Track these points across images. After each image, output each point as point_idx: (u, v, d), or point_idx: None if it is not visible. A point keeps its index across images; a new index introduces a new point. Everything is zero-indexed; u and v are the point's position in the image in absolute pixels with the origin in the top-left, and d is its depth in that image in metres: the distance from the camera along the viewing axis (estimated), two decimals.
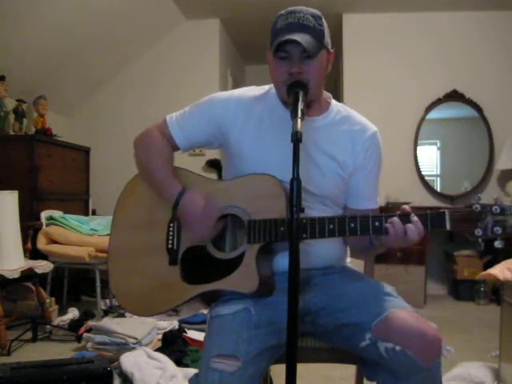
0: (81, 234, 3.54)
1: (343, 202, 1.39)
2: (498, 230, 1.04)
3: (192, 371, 2.03)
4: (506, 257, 2.27)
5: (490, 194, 3.81)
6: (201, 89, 4.34)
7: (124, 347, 2.57)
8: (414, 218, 1.09)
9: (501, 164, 4.33)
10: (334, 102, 1.39)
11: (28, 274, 2.99)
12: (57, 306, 3.39)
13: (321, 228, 1.13)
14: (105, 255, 3.32)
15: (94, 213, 4.55)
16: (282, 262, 1.19)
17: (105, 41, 4.33)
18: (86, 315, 3.21)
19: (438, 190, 4.69)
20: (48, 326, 3.05)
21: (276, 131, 1.28)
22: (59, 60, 4.09)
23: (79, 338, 2.88)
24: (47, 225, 3.57)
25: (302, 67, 1.21)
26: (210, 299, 1.29)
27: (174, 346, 2.58)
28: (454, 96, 4.61)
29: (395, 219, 1.10)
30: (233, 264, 1.20)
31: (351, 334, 1.18)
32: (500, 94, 4.52)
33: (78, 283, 4.10)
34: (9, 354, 2.68)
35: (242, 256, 1.20)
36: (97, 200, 4.56)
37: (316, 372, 2.41)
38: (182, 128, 1.37)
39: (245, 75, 6.48)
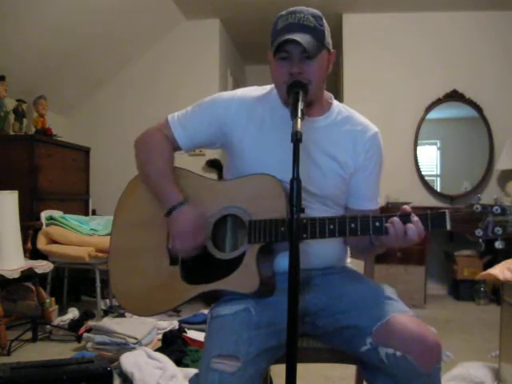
0: (81, 234, 3.54)
1: (344, 202, 1.39)
2: (499, 230, 1.04)
3: (192, 371, 2.03)
4: (506, 257, 2.28)
5: (490, 194, 3.82)
6: (201, 89, 4.35)
7: (124, 347, 2.56)
8: (415, 218, 1.09)
9: (501, 164, 4.33)
10: (335, 102, 1.39)
11: (28, 274, 2.99)
12: (57, 306, 3.39)
13: (321, 228, 1.13)
14: (105, 255, 3.33)
15: (94, 213, 4.55)
16: (282, 262, 1.19)
17: (105, 41, 4.33)
18: (86, 315, 3.21)
19: (438, 190, 4.69)
20: (48, 326, 3.05)
21: (277, 131, 1.28)
22: (59, 60, 4.08)
23: (79, 338, 2.88)
24: (47, 225, 3.57)
25: (302, 67, 1.21)
26: (211, 299, 1.28)
27: (174, 346, 2.58)
28: (454, 96, 4.61)
29: (395, 219, 1.10)
30: (233, 264, 1.20)
31: (351, 337, 1.18)
32: (500, 94, 4.52)
33: (78, 283, 4.10)
34: (9, 354, 2.68)
35: (242, 256, 1.20)
36: (97, 200, 4.56)
37: (316, 372, 2.41)
38: (185, 128, 1.36)
39: (245, 75, 6.48)
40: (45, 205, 3.70)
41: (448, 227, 1.07)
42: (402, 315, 1.15)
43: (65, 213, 3.76)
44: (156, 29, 4.76)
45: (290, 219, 0.98)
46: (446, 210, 1.08)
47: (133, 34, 4.54)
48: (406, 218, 1.10)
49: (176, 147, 1.38)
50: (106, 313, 3.47)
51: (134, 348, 2.53)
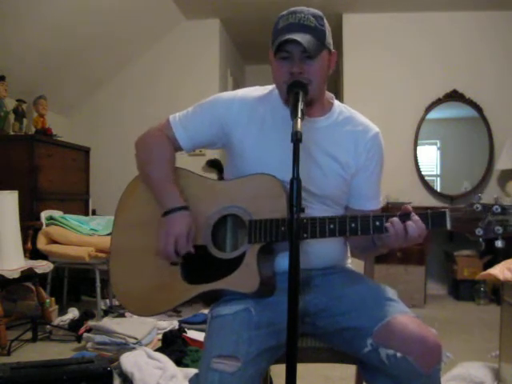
0: (81, 234, 3.54)
1: (345, 203, 1.39)
2: (499, 229, 1.04)
3: (192, 371, 2.03)
4: (506, 257, 2.28)
5: (489, 194, 3.81)
6: (201, 89, 4.36)
7: (124, 347, 2.56)
8: (415, 217, 1.09)
9: (501, 164, 4.33)
10: (336, 102, 1.39)
11: (28, 274, 2.99)
12: (57, 306, 3.39)
13: (321, 228, 1.13)
14: (104, 255, 3.33)
15: (94, 213, 4.55)
16: (282, 262, 1.19)
17: (105, 41, 4.33)
18: (86, 315, 3.21)
19: (438, 190, 4.69)
20: (48, 326, 3.05)
21: (278, 131, 1.28)
22: (59, 60, 4.08)
23: (79, 338, 2.87)
24: (47, 225, 3.57)
25: (303, 67, 1.21)
26: (211, 299, 1.28)
27: (174, 346, 2.58)
28: (454, 96, 4.61)
29: (395, 219, 1.10)
30: (233, 264, 1.20)
31: (351, 338, 1.18)
32: (500, 94, 4.52)
33: (78, 283, 4.10)
34: (9, 354, 2.68)
35: (242, 256, 1.20)
36: (97, 200, 4.56)
37: (316, 372, 2.41)
38: (186, 128, 1.36)
39: (245, 75, 6.48)
40: (45, 205, 3.70)
41: (448, 226, 1.07)
42: (402, 316, 1.15)
43: (65, 213, 3.76)
44: (156, 29, 4.76)
45: (290, 219, 0.98)
46: (447, 209, 1.08)
47: (133, 33, 4.54)
48: (406, 217, 1.10)
49: (177, 147, 1.38)
50: (106, 313, 3.47)
51: (134, 348, 2.52)
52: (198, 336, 2.71)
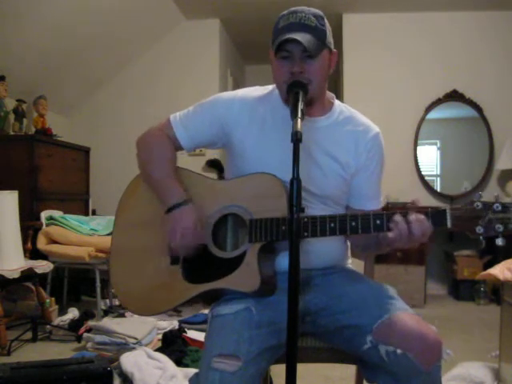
0: (81, 234, 3.53)
1: (345, 203, 1.39)
2: (500, 227, 1.04)
3: (192, 371, 2.02)
4: (506, 257, 2.27)
5: (489, 194, 3.81)
6: (201, 89, 4.36)
7: (124, 347, 2.56)
8: (421, 217, 1.08)
9: (501, 164, 4.33)
10: (337, 102, 1.39)
11: (28, 274, 2.99)
12: (57, 306, 3.39)
13: (322, 226, 1.13)
14: (104, 255, 3.33)
15: (94, 213, 4.55)
16: (283, 261, 1.19)
17: (105, 41, 4.33)
18: (86, 315, 3.21)
19: (438, 190, 4.69)
20: (48, 326, 3.05)
21: (278, 131, 1.28)
22: (59, 60, 4.08)
23: (79, 338, 2.87)
24: (47, 225, 3.57)
25: (303, 67, 1.21)
26: (211, 298, 1.28)
27: (174, 346, 2.58)
28: (454, 96, 4.61)
29: (398, 218, 1.09)
30: (234, 263, 1.20)
31: (352, 336, 1.18)
32: (500, 94, 4.52)
33: (78, 283, 4.10)
34: (9, 354, 2.68)
35: (243, 255, 1.19)
36: (97, 200, 4.56)
37: (316, 372, 2.41)
38: (186, 128, 1.36)
39: (245, 75, 6.48)
40: (45, 205, 3.69)
41: (449, 225, 1.07)
42: (402, 313, 1.15)
43: (65, 213, 3.76)
44: (156, 29, 4.76)
45: (290, 218, 0.98)
46: (447, 208, 1.08)
47: (133, 33, 4.54)
48: (408, 216, 1.08)
49: (178, 147, 1.38)
50: (106, 313, 3.47)
51: (134, 348, 2.52)
52: (198, 336, 2.71)
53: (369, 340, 1.13)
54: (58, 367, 1.91)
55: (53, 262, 3.29)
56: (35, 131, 4.01)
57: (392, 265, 3.94)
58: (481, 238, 1.06)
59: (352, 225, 1.12)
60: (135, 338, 2.61)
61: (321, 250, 1.30)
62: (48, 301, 3.23)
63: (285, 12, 1.25)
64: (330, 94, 1.39)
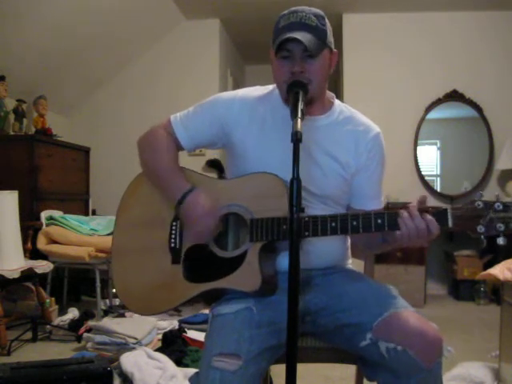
0: (81, 234, 3.53)
1: (345, 202, 1.39)
2: (501, 226, 1.04)
3: (192, 371, 2.02)
4: (506, 257, 2.27)
5: (489, 194, 3.81)
6: (201, 89, 4.36)
7: (124, 347, 2.56)
8: (428, 217, 1.08)
9: (501, 164, 4.33)
10: (337, 101, 1.39)
11: (28, 274, 2.99)
12: (57, 306, 3.39)
13: (323, 226, 1.13)
14: (104, 255, 3.33)
15: (94, 213, 4.55)
16: (284, 261, 1.19)
17: (105, 41, 4.33)
18: (86, 315, 3.21)
19: (438, 190, 4.69)
20: (48, 326, 3.05)
21: (278, 131, 1.28)
22: (59, 60, 4.08)
23: (79, 338, 2.87)
24: (47, 225, 3.57)
25: (304, 66, 1.21)
26: (212, 298, 1.28)
27: (174, 346, 2.57)
28: (454, 96, 4.61)
29: (406, 215, 1.09)
30: (235, 263, 1.20)
31: (352, 335, 1.18)
32: (500, 94, 4.52)
33: (78, 283, 4.10)
34: (9, 354, 2.68)
35: (244, 254, 1.19)
36: (97, 200, 4.56)
37: (316, 372, 2.41)
38: (187, 128, 1.37)
39: (245, 75, 6.48)
40: (45, 205, 3.69)
41: (450, 224, 1.07)
42: (402, 311, 1.15)
43: (65, 213, 3.76)
44: (156, 29, 4.76)
45: (290, 218, 0.98)
46: (448, 207, 1.08)
47: (133, 33, 4.54)
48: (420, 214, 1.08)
49: (178, 147, 1.38)
50: (106, 313, 3.47)
51: (134, 348, 2.52)
52: (198, 336, 2.71)
53: (368, 337, 1.13)
54: (58, 367, 1.91)
55: (53, 262, 3.29)
56: (35, 131, 4.00)
57: (392, 265, 3.94)
58: (482, 237, 1.06)
59: (353, 224, 1.12)
60: (135, 338, 2.61)
61: (321, 251, 1.30)
62: (48, 301, 3.23)
63: (285, 12, 1.25)
64: (330, 94, 1.39)
